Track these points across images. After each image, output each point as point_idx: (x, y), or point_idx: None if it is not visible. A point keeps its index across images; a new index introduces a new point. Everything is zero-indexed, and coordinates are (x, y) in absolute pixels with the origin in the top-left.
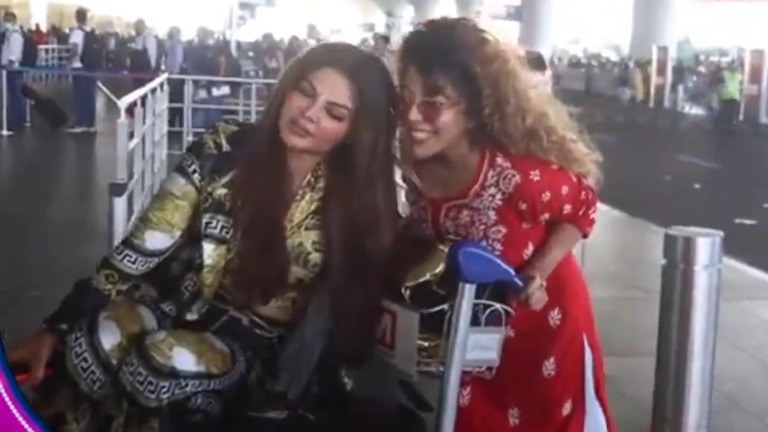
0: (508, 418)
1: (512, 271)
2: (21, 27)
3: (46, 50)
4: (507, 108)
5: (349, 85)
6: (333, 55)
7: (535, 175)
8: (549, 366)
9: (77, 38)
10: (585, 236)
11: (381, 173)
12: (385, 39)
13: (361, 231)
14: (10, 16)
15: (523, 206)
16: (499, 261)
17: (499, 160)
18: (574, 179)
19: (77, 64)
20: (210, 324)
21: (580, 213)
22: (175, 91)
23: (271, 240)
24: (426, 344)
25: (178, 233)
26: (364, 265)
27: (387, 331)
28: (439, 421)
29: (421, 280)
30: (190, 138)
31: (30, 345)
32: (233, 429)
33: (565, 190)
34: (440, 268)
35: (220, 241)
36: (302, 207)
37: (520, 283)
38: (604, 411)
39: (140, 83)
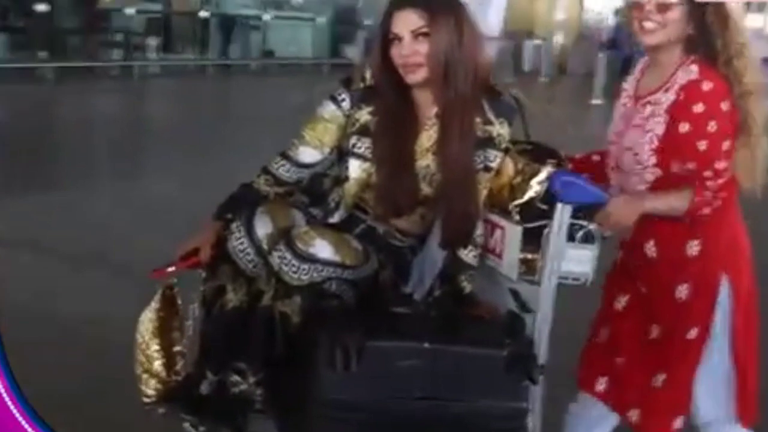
0: (652, 330)
1: (603, 195)
2: None
3: None
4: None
5: (418, 12)
6: (395, 4)
7: (708, 85)
8: (682, 290)
9: None
10: (690, 212)
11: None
12: None
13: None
14: None
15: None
16: (590, 186)
17: (695, 66)
18: (727, 143)
19: None
20: (351, 230)
21: (704, 174)
22: None
23: (402, 162)
24: (530, 256)
25: (327, 150)
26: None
27: (497, 243)
28: (535, 323)
29: (526, 197)
30: None
31: (200, 233)
32: (367, 317)
33: (713, 126)
34: (542, 187)
35: (364, 159)
36: (430, 135)
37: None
38: (740, 364)
39: None
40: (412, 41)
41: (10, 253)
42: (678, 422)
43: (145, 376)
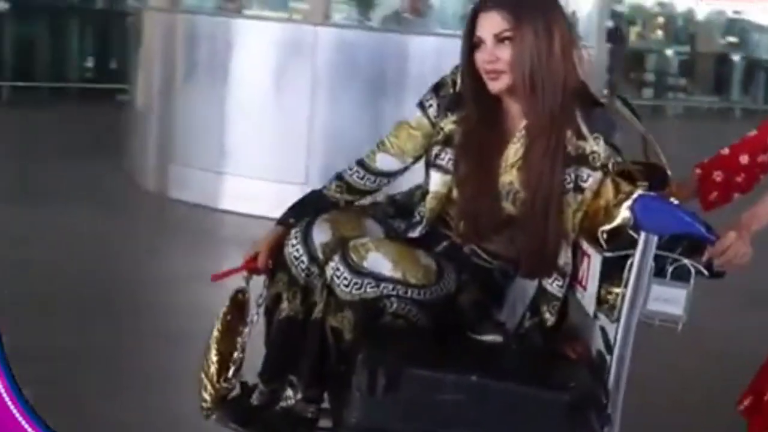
0: None
1: (699, 225)
2: None
3: None
4: None
5: (502, 14)
6: (480, 4)
7: None
8: None
9: None
10: None
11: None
12: None
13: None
14: None
15: None
16: (682, 213)
17: None
18: None
19: None
20: (433, 246)
21: None
22: None
23: (485, 181)
24: (617, 290)
25: (408, 159)
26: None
27: (584, 272)
28: (612, 366)
29: (615, 224)
30: None
31: (264, 237)
32: (445, 342)
33: None
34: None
35: (446, 171)
36: (517, 149)
37: (712, 237)
38: None
39: None
40: (495, 46)
41: None
42: None
43: (204, 380)
